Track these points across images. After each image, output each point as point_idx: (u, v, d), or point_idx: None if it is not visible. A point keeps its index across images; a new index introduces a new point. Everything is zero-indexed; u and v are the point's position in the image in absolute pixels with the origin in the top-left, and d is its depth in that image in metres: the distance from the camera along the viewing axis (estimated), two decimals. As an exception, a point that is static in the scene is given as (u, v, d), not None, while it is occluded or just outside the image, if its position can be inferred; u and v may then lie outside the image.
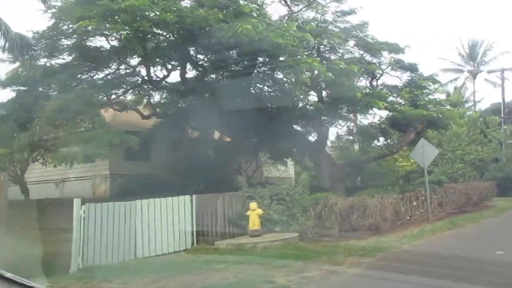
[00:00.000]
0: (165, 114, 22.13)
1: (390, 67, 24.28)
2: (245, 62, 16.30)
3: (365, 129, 25.24)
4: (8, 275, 1.73)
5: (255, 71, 17.74)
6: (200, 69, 18.15)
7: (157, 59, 16.35)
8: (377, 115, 25.65)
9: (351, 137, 26.49)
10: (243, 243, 11.55)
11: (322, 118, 20.79)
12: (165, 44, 15.45)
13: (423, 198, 16.62)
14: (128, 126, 24.44)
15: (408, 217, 14.86)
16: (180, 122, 21.95)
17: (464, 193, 18.99)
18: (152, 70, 18.47)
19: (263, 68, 17.74)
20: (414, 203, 15.40)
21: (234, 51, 15.30)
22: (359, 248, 10.16)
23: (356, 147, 28.30)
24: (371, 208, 12.62)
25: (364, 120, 27.79)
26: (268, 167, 29.03)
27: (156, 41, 15.42)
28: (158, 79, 18.60)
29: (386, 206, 13.10)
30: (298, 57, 14.34)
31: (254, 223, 12.20)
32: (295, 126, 21.90)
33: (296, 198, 13.44)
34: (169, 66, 17.56)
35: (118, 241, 10.44)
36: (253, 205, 12.34)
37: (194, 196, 12.15)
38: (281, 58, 14.69)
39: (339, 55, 20.46)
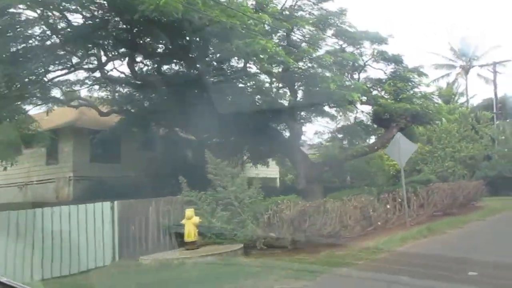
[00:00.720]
0: (127, 111, 19.99)
1: (372, 59, 22.21)
2: (192, 46, 14.10)
3: (345, 126, 23.05)
4: (4, 279, 1.68)
5: (208, 59, 15.56)
6: (150, 59, 15.99)
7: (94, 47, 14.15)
8: (361, 111, 23.65)
9: (330, 135, 24.19)
10: (170, 259, 9.38)
11: (294, 113, 18.58)
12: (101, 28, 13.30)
13: (400, 200, 14.45)
14: (92, 125, 22.51)
15: (380, 223, 12.65)
16: (145, 119, 19.88)
17: (449, 193, 16.76)
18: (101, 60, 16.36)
19: (215, 54, 15.56)
20: (388, 206, 13.18)
21: (176, 34, 13.09)
22: (298, 266, 8.00)
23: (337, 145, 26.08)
24: (330, 213, 10.43)
25: (347, 116, 25.80)
26: (250, 168, 26.92)
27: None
28: (107, 71, 16.46)
29: (348, 211, 10.90)
30: (249, 40, 12.11)
31: (189, 233, 10.03)
32: (269, 123, 19.72)
33: (246, 203, 11.24)
34: (111, 55, 15.37)
35: (7, 260, 8.26)
36: (188, 212, 10.17)
37: (116, 202, 9.97)
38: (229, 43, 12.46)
39: (312, 44, 18.25)
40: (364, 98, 21.15)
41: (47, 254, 8.73)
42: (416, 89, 21.76)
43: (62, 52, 15.77)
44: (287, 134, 19.35)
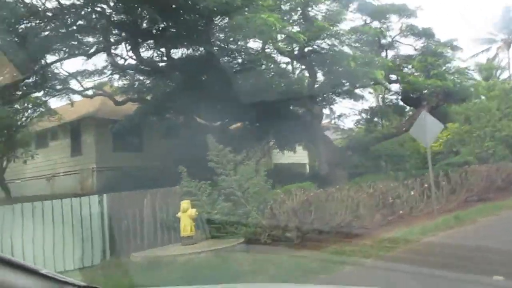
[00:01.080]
0: (143, 99, 19.27)
1: (400, 34, 20.52)
2: (199, 27, 13.06)
3: (372, 107, 21.49)
4: (44, 271, 1.62)
5: (220, 40, 14.48)
6: (159, 43, 15.07)
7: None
8: (388, 90, 22.02)
9: (356, 117, 22.64)
10: (162, 256, 8.49)
11: (314, 95, 17.25)
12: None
13: (426, 185, 12.99)
14: (113, 115, 22.00)
15: (403, 211, 11.29)
16: (163, 106, 19.10)
17: (485, 176, 15.06)
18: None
19: (217, 32, 14.43)
20: (412, 193, 11.77)
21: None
22: (291, 265, 6.90)
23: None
24: (341, 202, 9.21)
25: (375, 96, 24.15)
26: (278, 154, 25.82)
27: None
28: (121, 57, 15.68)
29: (362, 199, 9.64)
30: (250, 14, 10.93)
31: (185, 227, 9.09)
32: (289, 107, 18.53)
33: (251, 192, 10.18)
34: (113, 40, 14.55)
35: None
36: (184, 204, 9.22)
37: (105, 195, 9.15)
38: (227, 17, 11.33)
39: (331, 19, 16.80)
40: (393, 77, 19.59)
41: (29, 253, 8.00)
42: (449, 65, 20.02)
43: (73, 42, 15.22)
44: (308, 118, 18.03)
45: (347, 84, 17.39)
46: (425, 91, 18.48)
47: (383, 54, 20.51)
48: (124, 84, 18.40)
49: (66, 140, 24.18)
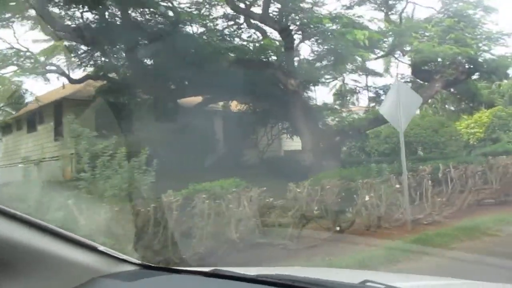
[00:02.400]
0: (102, 75, 16.26)
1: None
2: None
3: (372, 85, 17.12)
4: (101, 248, 1.64)
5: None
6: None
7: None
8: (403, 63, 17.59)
9: (351, 96, 18.11)
10: None
11: (290, 66, 13.35)
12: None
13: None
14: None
15: (345, 224, 7.35)
16: (128, 85, 16.07)
17: (503, 172, 10.63)
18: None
19: None
20: (367, 198, 7.73)
21: None
22: None
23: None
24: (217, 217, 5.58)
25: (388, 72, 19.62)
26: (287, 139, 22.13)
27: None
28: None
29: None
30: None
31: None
32: (265, 82, 14.73)
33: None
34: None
35: None
36: None
37: None
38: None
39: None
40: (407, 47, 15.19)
41: None
42: (475, 29, 15.26)
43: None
44: (287, 96, 14.17)
45: (324, 50, 13.31)
46: (441, 61, 14.00)
47: (394, 16, 16.18)
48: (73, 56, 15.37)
49: (50, 124, 22.08)
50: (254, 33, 13.21)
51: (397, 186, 8.18)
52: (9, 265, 1.40)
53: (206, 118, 17.07)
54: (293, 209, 6.69)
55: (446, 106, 22.62)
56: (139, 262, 1.75)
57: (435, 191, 9.64)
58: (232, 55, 12.22)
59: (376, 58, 17.12)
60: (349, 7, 14.50)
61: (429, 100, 24.09)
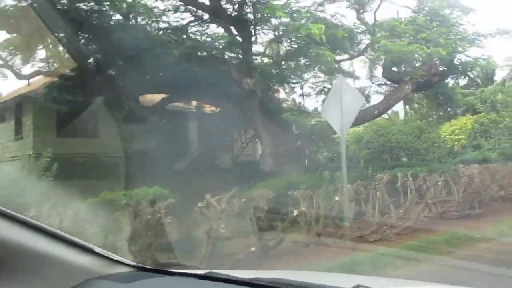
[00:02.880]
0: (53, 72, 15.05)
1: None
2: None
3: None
4: (98, 249, 1.65)
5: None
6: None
7: None
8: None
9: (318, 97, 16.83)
10: None
11: (241, 64, 12.14)
12: None
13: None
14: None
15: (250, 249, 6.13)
16: (80, 82, 14.84)
17: (468, 182, 9.45)
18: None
19: None
20: (296, 212, 6.52)
21: None
22: None
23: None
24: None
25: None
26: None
27: None
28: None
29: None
30: None
31: None
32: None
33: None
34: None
35: None
36: None
37: None
38: None
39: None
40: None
41: None
42: (450, 29, 14.16)
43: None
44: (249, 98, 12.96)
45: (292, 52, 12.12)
46: (406, 61, 12.88)
47: (367, 15, 15.04)
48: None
49: (11, 122, 20.88)
50: (208, 27, 12.00)
51: (336, 198, 6.98)
52: (4, 265, 1.39)
53: (166, 118, 15.92)
54: (191, 228, 5.51)
55: (425, 111, 21.52)
56: (134, 264, 1.74)
57: (393, 202, 8.51)
58: (187, 51, 11.04)
59: (349, 59, 16.05)
60: (320, 4, 13.40)
61: (415, 105, 23.07)
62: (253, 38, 12.12)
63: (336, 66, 15.37)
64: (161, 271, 1.91)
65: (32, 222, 1.44)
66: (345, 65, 16.56)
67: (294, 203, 7.21)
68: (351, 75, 15.55)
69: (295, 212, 6.28)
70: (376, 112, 13.22)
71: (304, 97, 16.58)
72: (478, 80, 26.63)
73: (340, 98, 6.94)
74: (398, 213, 7.76)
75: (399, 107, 31.00)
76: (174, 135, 15.84)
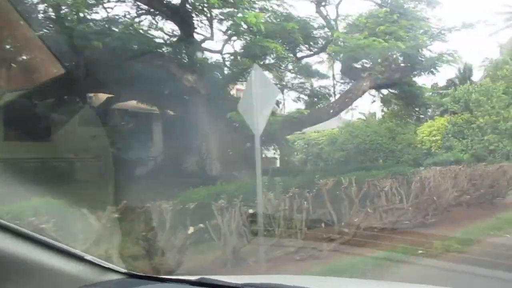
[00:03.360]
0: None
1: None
2: None
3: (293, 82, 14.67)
4: (89, 257, 1.64)
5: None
6: None
7: None
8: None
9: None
10: None
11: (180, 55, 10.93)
12: None
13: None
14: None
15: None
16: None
17: (420, 186, 8.32)
18: None
19: None
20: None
21: None
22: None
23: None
24: None
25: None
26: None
27: None
28: None
29: None
30: None
31: None
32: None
33: None
34: None
35: None
36: None
37: None
38: None
39: None
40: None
41: None
42: (416, 22, 13.05)
43: None
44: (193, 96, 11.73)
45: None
46: (363, 57, 11.77)
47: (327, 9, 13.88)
48: None
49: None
50: (145, 18, 10.76)
51: (250, 211, 5.78)
52: None
53: (112, 119, 14.64)
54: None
55: (401, 111, 20.47)
56: (126, 271, 1.72)
57: (336, 211, 7.36)
58: (114, 44, 9.80)
59: (311, 55, 14.86)
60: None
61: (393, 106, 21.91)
62: (193, 30, 10.89)
63: (301, 63, 14.30)
64: (153, 278, 1.89)
65: (21, 230, 1.40)
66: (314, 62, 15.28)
67: (207, 216, 6.04)
68: (315, 73, 14.33)
69: (191, 230, 5.07)
70: (331, 111, 12.02)
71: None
72: (456, 81, 25.88)
73: (255, 91, 5.77)
74: (339, 224, 6.60)
75: (376, 108, 30.09)
76: (121, 137, 14.58)
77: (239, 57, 12.14)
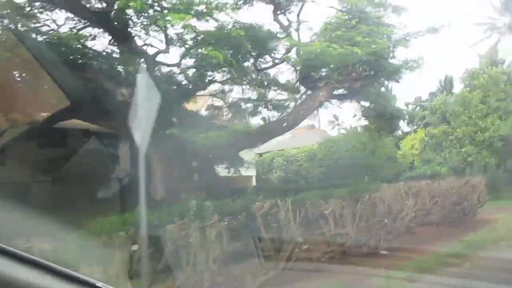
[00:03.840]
0: None
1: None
2: None
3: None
4: (100, 284, 1.56)
5: None
6: None
7: None
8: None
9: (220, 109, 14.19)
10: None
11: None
12: None
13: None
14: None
15: None
16: None
17: (370, 208, 7.15)
18: None
19: None
20: None
21: None
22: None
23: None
24: None
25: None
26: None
27: None
28: None
29: None
30: None
31: None
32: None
33: None
34: None
35: None
36: None
37: None
38: None
39: None
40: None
41: None
42: (376, 28, 12.02)
43: None
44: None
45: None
46: (319, 64, 10.69)
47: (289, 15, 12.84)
48: None
49: None
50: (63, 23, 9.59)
51: (134, 247, 4.58)
52: None
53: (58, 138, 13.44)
54: None
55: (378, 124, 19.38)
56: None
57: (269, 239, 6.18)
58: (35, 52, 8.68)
59: (272, 66, 13.74)
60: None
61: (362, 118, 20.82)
62: (131, 41, 9.77)
63: (260, 75, 13.18)
64: None
65: (34, 259, 1.33)
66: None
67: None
68: (272, 83, 13.20)
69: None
70: (285, 124, 10.85)
71: (213, 108, 14.18)
72: (438, 94, 24.97)
73: (141, 99, 4.64)
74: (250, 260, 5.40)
75: (358, 121, 29.01)
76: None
77: (189, 70, 11.07)
